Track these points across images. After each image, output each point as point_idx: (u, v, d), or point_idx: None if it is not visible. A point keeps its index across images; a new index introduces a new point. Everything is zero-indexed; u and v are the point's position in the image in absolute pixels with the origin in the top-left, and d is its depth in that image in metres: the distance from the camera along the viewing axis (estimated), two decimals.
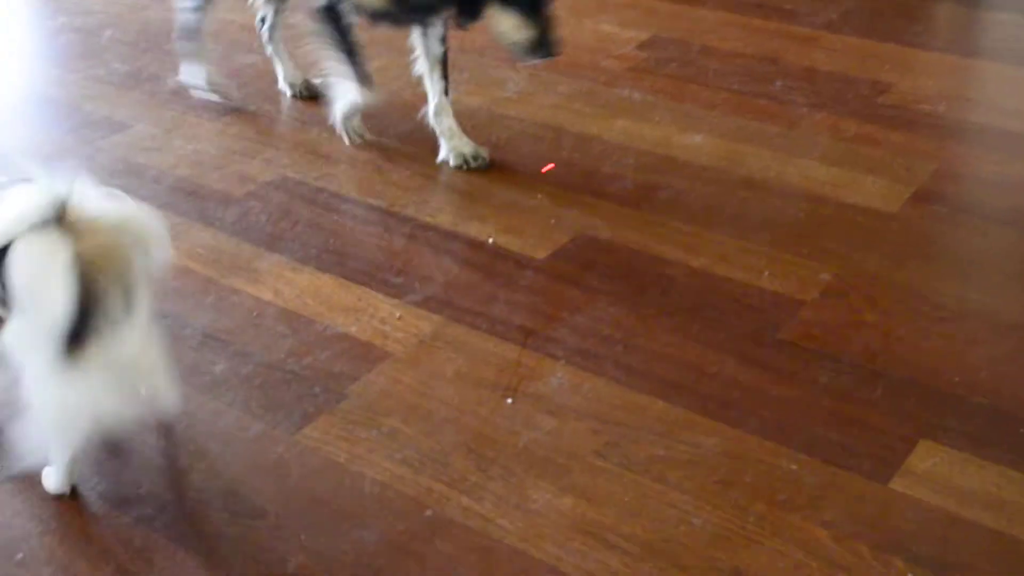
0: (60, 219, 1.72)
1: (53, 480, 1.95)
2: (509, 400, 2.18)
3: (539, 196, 2.86)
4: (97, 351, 1.74)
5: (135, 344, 1.81)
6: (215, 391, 2.22)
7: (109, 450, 2.04)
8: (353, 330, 2.40)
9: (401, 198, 2.87)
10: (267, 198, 2.90)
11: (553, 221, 2.75)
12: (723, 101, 3.30)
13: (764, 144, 3.06)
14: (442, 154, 3.03)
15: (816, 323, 2.39)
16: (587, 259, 2.61)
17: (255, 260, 2.65)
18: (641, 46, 3.68)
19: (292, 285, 2.55)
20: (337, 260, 2.64)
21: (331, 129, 3.19)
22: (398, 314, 2.44)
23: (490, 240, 2.66)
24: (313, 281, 2.56)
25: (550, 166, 2.96)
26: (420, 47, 3.01)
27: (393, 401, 2.19)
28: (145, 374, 1.87)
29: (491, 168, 2.99)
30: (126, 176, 3.01)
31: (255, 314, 2.46)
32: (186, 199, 2.91)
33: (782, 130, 3.14)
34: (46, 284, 1.71)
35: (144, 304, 1.81)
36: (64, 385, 1.77)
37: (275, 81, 3.50)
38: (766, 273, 2.54)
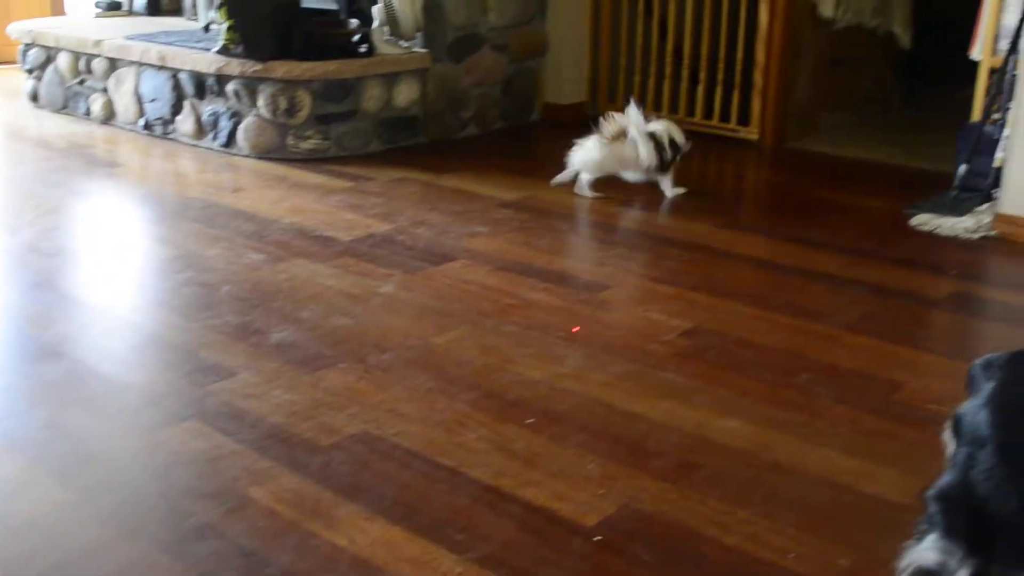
0: None
1: None
2: None
3: (590, 467, 2.81)
4: None
5: None
6: None
7: None
8: None
9: (467, 459, 2.83)
10: (349, 450, 2.88)
11: (602, 491, 2.69)
12: (755, 390, 3.27)
13: (791, 432, 3.01)
14: None
15: None
16: (630, 529, 2.54)
17: (334, 508, 2.60)
18: (684, 334, 3.68)
19: (365, 534, 2.50)
20: (407, 513, 2.58)
21: (411, 388, 3.19)
22: (459, 570, 2.37)
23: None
24: (384, 532, 2.51)
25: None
26: None
27: None
28: None
29: (546, 437, 2.95)
30: (228, 419, 3.01)
31: (330, 559, 2.39)
32: (278, 445, 2.89)
33: (807, 420, 3.09)
34: None
35: None
36: None
37: (365, 342, 3.53)
38: (792, 555, 2.45)
